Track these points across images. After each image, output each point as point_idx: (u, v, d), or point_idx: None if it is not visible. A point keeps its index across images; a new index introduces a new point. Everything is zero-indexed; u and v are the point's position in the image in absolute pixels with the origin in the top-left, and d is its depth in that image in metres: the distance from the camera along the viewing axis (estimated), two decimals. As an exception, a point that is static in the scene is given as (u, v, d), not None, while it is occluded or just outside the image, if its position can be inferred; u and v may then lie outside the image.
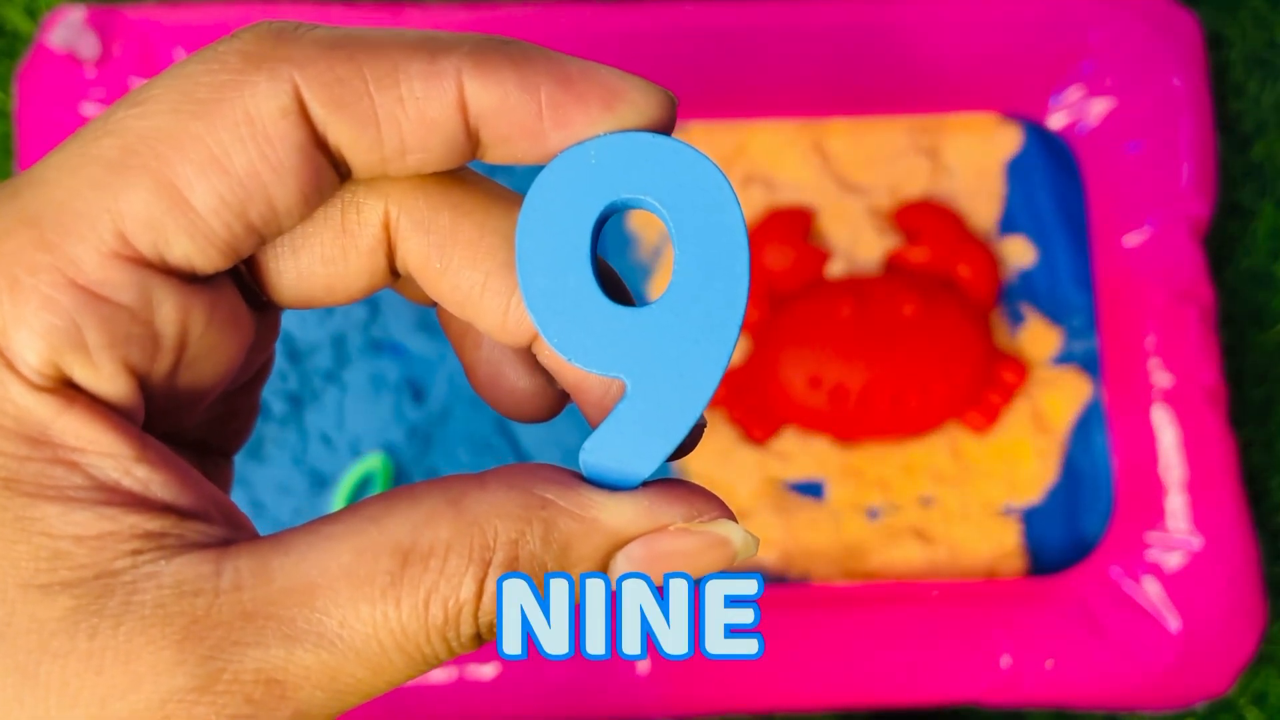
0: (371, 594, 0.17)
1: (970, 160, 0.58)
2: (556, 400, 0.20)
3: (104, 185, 0.16)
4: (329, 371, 0.56)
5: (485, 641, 0.18)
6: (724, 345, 0.18)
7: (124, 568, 0.16)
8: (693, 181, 0.18)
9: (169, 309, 0.17)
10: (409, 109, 0.17)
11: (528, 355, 0.20)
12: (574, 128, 0.18)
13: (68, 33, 0.54)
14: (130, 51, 0.54)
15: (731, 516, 0.18)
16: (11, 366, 0.16)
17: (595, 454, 0.18)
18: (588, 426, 0.19)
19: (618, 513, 0.18)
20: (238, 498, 0.54)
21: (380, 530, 0.17)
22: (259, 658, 0.16)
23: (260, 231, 0.17)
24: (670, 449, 0.19)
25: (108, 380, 0.17)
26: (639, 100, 0.18)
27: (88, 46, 0.54)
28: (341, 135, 0.17)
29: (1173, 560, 0.52)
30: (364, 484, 0.55)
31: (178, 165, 0.16)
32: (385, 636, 0.17)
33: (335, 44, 0.17)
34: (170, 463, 0.17)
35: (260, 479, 0.55)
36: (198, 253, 0.17)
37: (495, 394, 0.20)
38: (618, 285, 0.19)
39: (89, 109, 0.54)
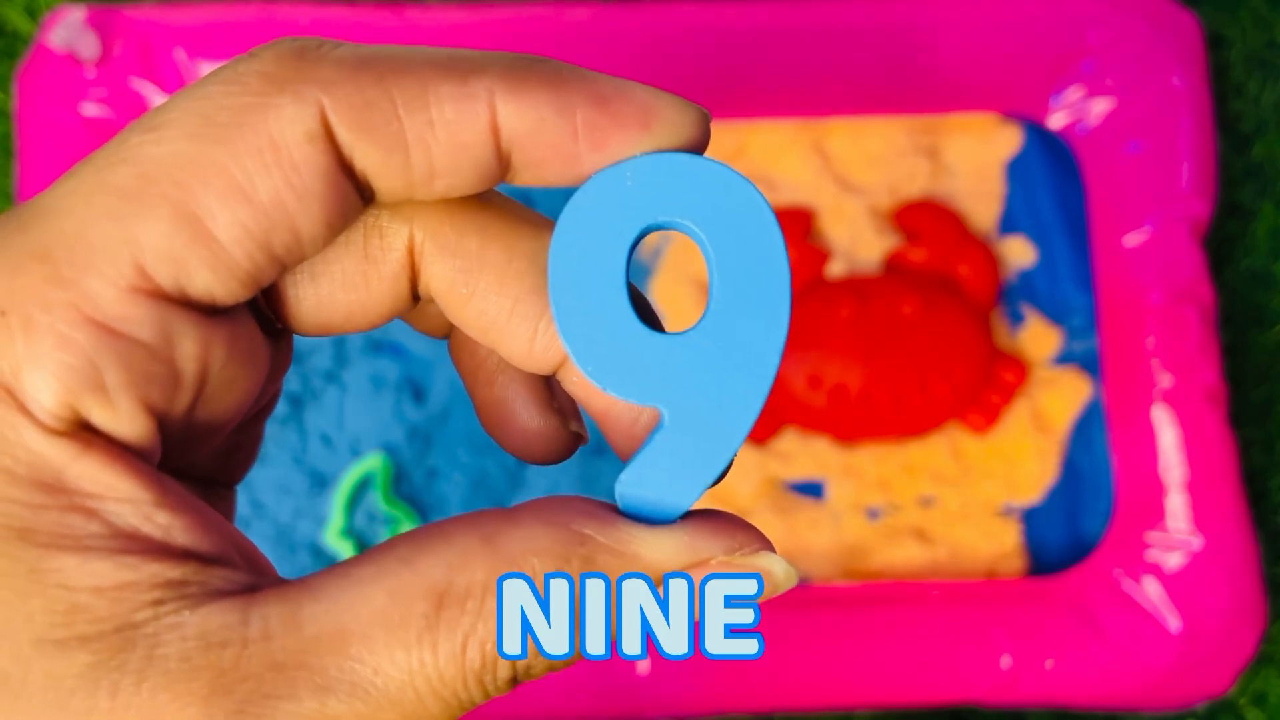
0: (407, 639, 0.16)
1: (969, 160, 0.58)
2: (569, 442, 0.20)
3: (121, 216, 0.16)
4: (329, 371, 0.56)
5: (520, 683, 0.17)
6: (765, 373, 0.18)
7: (146, 619, 0.15)
8: (731, 203, 0.18)
9: (189, 344, 0.16)
10: (439, 133, 0.16)
11: (541, 395, 0.20)
12: (610, 150, 0.17)
13: (68, 33, 0.54)
14: (130, 51, 0.54)
15: (770, 547, 0.18)
16: (25, 409, 0.15)
17: (632, 486, 0.18)
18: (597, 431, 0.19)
19: (658, 547, 0.17)
20: (239, 499, 0.54)
21: (413, 572, 0.16)
22: (291, 711, 0.15)
23: (283, 260, 0.17)
24: (710, 480, 0.18)
25: (126, 421, 0.16)
26: (675, 119, 0.17)
27: (88, 47, 0.54)
28: (369, 160, 0.16)
29: (1173, 560, 0.52)
30: (364, 484, 0.55)
31: (199, 194, 0.16)
32: (421, 683, 0.16)
33: (362, 64, 0.16)
34: (190, 506, 0.16)
35: (260, 479, 0.55)
36: (219, 284, 0.16)
37: (506, 434, 0.20)
38: (648, 311, 0.19)
39: (89, 109, 0.54)
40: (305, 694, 0.16)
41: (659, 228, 0.18)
